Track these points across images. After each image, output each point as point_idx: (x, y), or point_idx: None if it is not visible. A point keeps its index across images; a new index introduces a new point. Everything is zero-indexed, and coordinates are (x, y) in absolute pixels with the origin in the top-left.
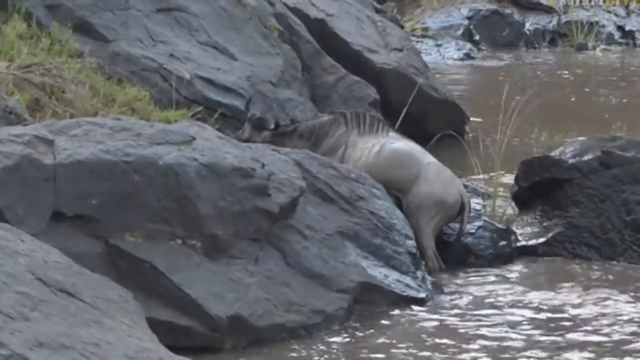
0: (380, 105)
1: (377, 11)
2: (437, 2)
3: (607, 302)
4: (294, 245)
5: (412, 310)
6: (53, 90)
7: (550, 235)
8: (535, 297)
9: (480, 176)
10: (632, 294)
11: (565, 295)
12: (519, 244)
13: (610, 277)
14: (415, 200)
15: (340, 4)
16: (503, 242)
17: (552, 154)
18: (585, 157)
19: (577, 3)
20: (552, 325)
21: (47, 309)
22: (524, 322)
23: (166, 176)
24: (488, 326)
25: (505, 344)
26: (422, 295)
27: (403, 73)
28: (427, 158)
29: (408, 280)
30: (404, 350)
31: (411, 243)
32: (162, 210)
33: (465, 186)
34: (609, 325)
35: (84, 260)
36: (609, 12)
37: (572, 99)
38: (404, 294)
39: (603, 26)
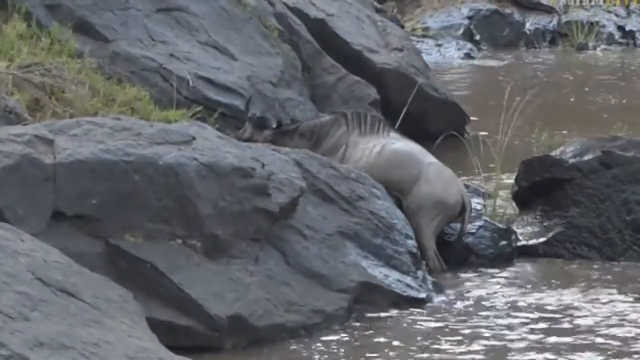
0: (381, 105)
1: (378, 11)
2: (438, 2)
3: (607, 302)
4: (294, 245)
5: (412, 310)
6: (53, 90)
7: (550, 235)
8: (535, 297)
9: (481, 176)
10: (632, 293)
11: (566, 295)
12: (519, 244)
13: (611, 277)
14: (416, 200)
15: (341, 4)
16: (504, 242)
17: (552, 154)
18: (586, 157)
19: (578, 3)
20: (552, 325)
21: (47, 309)
22: (524, 323)
23: (166, 176)
24: (488, 326)
25: (506, 344)
26: (423, 295)
27: (403, 73)
28: (428, 158)
29: (408, 280)
30: (404, 351)
31: (412, 243)
32: (162, 210)
33: (466, 186)
34: (609, 325)
35: (84, 260)
36: (609, 12)
37: (573, 99)
38: (405, 294)
39: (603, 26)
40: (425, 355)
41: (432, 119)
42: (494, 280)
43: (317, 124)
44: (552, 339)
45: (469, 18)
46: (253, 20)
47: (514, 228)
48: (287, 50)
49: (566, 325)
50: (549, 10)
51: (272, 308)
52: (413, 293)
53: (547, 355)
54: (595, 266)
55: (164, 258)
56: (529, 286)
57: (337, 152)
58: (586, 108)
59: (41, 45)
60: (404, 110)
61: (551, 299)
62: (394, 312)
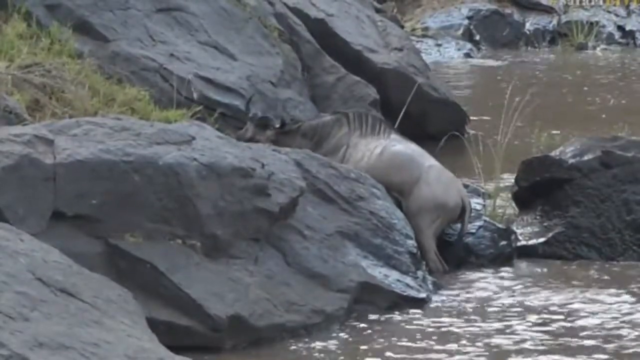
0: (381, 105)
1: (377, 11)
2: (437, 2)
3: (607, 303)
4: (294, 245)
5: (412, 310)
6: (53, 91)
7: (550, 235)
8: (535, 297)
9: (481, 176)
10: (632, 294)
11: (566, 295)
12: (519, 244)
13: (610, 277)
14: (416, 203)
15: (340, 4)
16: (503, 242)
17: (552, 154)
18: (586, 157)
19: (577, 3)
20: (552, 325)
21: (47, 309)
22: (524, 323)
23: (166, 176)
24: (488, 326)
25: (506, 344)
26: (423, 295)
27: (403, 73)
28: (428, 161)
29: (408, 280)
30: (403, 351)
31: (411, 243)
32: (162, 210)
33: (466, 186)
34: (609, 325)
35: (84, 260)
36: (609, 12)
37: (572, 99)
38: (404, 293)
39: (603, 26)
40: (425, 355)
41: (432, 119)
42: (494, 280)
43: (319, 124)
44: (552, 339)
45: (469, 18)
46: (253, 20)
47: (514, 228)
48: (287, 50)
49: (566, 326)
50: (549, 10)
51: (272, 308)
52: (413, 293)
53: (548, 355)
54: (595, 266)
55: (164, 258)
56: (528, 286)
57: (338, 152)
58: (586, 108)
59: (41, 45)
60: (403, 110)
61: (551, 299)
62: (393, 312)
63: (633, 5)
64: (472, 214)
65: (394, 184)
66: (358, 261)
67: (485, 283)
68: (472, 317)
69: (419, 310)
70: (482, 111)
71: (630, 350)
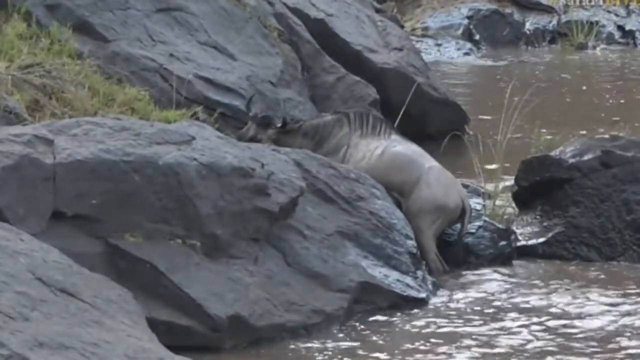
0: (381, 105)
1: (377, 11)
2: (437, 2)
3: (607, 303)
4: (293, 245)
5: (412, 310)
6: (53, 91)
7: (550, 235)
8: (534, 297)
9: (481, 176)
10: (632, 294)
11: (565, 295)
12: (519, 244)
13: (610, 277)
14: (416, 204)
15: (340, 4)
16: (503, 242)
17: (552, 153)
18: (586, 157)
19: (577, 3)
20: (552, 325)
21: (47, 309)
22: (524, 323)
23: (166, 176)
24: (488, 327)
25: (506, 344)
26: (423, 295)
27: (403, 72)
28: (428, 161)
29: (408, 280)
30: (403, 350)
31: (411, 243)
32: (162, 210)
33: (466, 186)
34: (609, 326)
35: (84, 260)
36: (609, 11)
37: (572, 99)
38: (404, 293)
39: (603, 26)
40: (425, 355)
41: (432, 119)
42: (494, 280)
43: (320, 124)
44: (552, 339)
45: (469, 18)
46: (253, 20)
47: (514, 228)
48: (287, 50)
49: (566, 326)
50: (549, 10)
51: (272, 308)
52: (413, 293)
53: (548, 355)
54: (595, 266)
55: (164, 258)
56: (528, 286)
57: (338, 152)
58: (586, 108)
59: (41, 45)
60: (403, 109)
61: (551, 299)
62: (393, 312)
63: (633, 5)
64: (472, 214)
65: (394, 184)
66: (358, 261)
67: (485, 283)
68: (472, 317)
69: (418, 310)
70: (482, 111)
71: (630, 351)
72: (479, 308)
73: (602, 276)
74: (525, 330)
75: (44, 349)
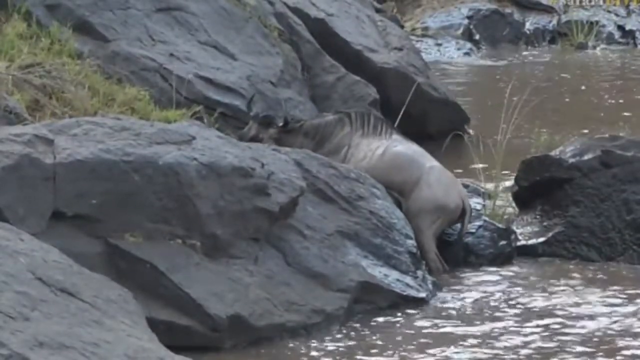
0: (381, 105)
1: (377, 11)
2: (437, 2)
3: (607, 303)
4: (294, 245)
5: (412, 309)
6: (53, 91)
7: (550, 234)
8: (534, 296)
9: (481, 176)
10: (632, 294)
11: (565, 295)
12: (519, 244)
13: (610, 277)
14: (417, 204)
15: (340, 4)
16: (503, 242)
17: (552, 153)
18: (585, 157)
19: (577, 3)
20: (552, 325)
21: (47, 308)
22: (524, 323)
23: (166, 176)
24: (488, 326)
25: (505, 344)
26: (423, 294)
27: (403, 72)
28: (429, 161)
29: (408, 279)
30: (403, 350)
31: (411, 242)
32: (162, 209)
33: (466, 186)
34: (609, 326)
35: (84, 260)
36: (609, 11)
37: (572, 99)
38: (404, 293)
39: (603, 26)
40: (424, 355)
41: (432, 119)
42: (494, 280)
43: (322, 123)
44: (552, 339)
45: (469, 18)
46: (253, 20)
47: (514, 228)
48: (287, 50)
49: (566, 325)
50: (549, 9)
51: (272, 308)
52: (413, 293)
53: (548, 355)
54: (594, 266)
55: (164, 258)
56: (528, 286)
57: (339, 152)
58: (586, 108)
59: (41, 45)
60: (403, 109)
61: (551, 298)
62: (393, 311)
63: (633, 5)
64: (472, 214)
65: (394, 184)
66: (358, 261)
67: (485, 283)
68: (472, 316)
69: (418, 310)
70: (482, 111)
71: (630, 351)
72: (479, 308)
73: (602, 276)
74: (525, 330)
75: (44, 348)
